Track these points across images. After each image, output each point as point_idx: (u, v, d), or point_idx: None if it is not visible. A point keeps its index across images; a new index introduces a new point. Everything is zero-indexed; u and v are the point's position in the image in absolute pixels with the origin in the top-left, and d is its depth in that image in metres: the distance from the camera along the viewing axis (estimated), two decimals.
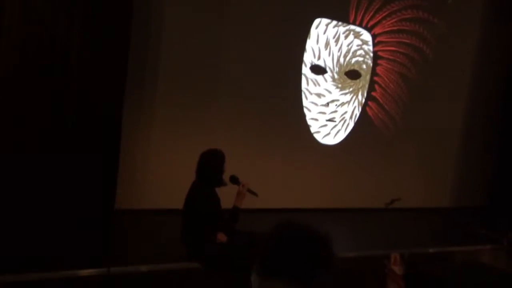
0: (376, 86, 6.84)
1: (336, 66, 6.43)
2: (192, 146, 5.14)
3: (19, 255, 3.53)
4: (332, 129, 6.53)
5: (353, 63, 6.56)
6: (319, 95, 6.35)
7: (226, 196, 3.71)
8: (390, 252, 4.68)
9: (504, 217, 5.64)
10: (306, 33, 6.15)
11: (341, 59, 6.45)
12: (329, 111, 6.48)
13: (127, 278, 3.58)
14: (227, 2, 5.58)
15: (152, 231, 4.68)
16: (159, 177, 5.19)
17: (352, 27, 6.46)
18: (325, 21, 6.23)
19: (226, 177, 3.70)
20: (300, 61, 6.17)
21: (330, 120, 6.49)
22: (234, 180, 3.70)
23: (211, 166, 3.57)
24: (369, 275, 4.61)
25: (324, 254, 1.62)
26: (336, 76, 6.44)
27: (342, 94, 6.53)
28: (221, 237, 3.53)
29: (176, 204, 3.88)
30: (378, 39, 6.72)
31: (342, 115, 6.59)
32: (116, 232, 4.37)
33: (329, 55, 6.35)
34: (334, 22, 6.31)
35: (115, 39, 4.20)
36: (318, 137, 6.43)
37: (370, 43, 6.65)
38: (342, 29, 6.38)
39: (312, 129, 6.37)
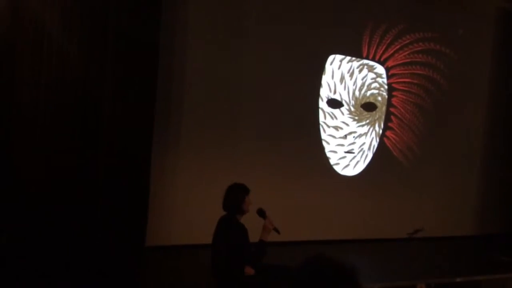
0: (393, 117, 6.98)
1: (352, 99, 6.61)
2: (216, 183, 5.30)
3: None
4: (351, 160, 6.65)
5: (369, 96, 6.73)
6: (336, 127, 6.51)
7: (252, 230, 3.82)
8: (416, 283, 4.71)
9: None
10: (321, 69, 6.37)
11: (357, 92, 6.63)
12: (347, 143, 6.61)
13: None
14: (247, 45, 5.84)
15: (182, 267, 4.80)
16: (187, 214, 5.33)
17: (365, 61, 6.66)
18: (339, 57, 6.46)
19: (253, 210, 3.82)
20: (316, 96, 6.37)
21: (349, 152, 6.62)
22: (261, 213, 3.81)
23: (232, 194, 3.71)
24: None
25: (352, 286, 1.76)
26: (352, 109, 6.61)
27: (359, 126, 6.68)
28: (249, 270, 3.62)
29: (205, 239, 4.01)
30: (391, 71, 6.90)
31: (360, 146, 6.72)
32: (147, 269, 4.49)
33: (345, 89, 6.54)
34: (348, 58, 6.53)
35: (143, 90, 4.49)
36: (338, 168, 6.55)
37: (384, 75, 6.83)
38: (356, 64, 6.59)
39: (332, 161, 6.50)
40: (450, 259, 6.35)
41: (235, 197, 3.69)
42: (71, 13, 4.10)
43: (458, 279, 5.32)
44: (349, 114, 6.60)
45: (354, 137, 6.66)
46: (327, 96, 6.42)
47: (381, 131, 6.90)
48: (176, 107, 5.52)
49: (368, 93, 6.73)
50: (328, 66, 6.39)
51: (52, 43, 4.03)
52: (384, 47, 6.80)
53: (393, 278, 5.14)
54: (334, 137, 6.50)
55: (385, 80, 6.86)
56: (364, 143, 6.74)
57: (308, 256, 1.89)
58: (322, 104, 6.39)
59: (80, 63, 4.21)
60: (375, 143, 6.85)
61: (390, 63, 6.89)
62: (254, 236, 3.80)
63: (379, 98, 6.84)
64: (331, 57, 6.40)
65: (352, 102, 6.61)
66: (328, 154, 6.47)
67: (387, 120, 6.93)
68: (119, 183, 4.44)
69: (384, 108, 6.89)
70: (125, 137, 4.51)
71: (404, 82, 7.04)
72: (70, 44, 4.12)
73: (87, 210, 4.24)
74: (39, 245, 4.03)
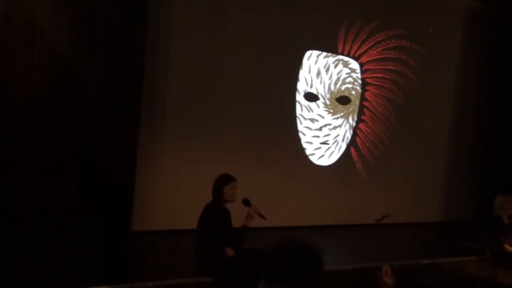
0: (365, 110, 7.38)
1: (328, 93, 6.97)
2: (198, 172, 5.64)
3: (51, 275, 3.95)
4: (326, 151, 7.03)
5: (343, 90, 7.11)
6: (312, 120, 6.87)
7: (239, 216, 4.16)
8: (382, 265, 5.14)
9: (486, 230, 6.08)
10: (298, 64, 6.69)
11: (332, 87, 6.99)
12: (323, 135, 6.99)
13: None
14: (228, 40, 6.10)
15: (166, 250, 5.12)
16: (170, 200, 5.64)
17: (340, 57, 7.02)
18: (315, 52, 6.79)
19: (239, 199, 4.14)
20: (294, 89, 6.70)
21: (324, 143, 7.00)
22: (246, 202, 4.15)
23: (215, 184, 4.09)
24: (363, 286, 5.04)
25: (317, 263, 2.15)
26: (328, 102, 6.98)
27: (334, 118, 7.06)
28: (229, 251, 3.96)
29: (187, 225, 4.33)
30: (365, 67, 7.28)
31: (334, 138, 7.10)
32: (134, 252, 4.80)
33: (321, 83, 6.89)
34: (324, 54, 6.87)
35: (129, 83, 4.74)
36: (313, 159, 6.92)
37: (358, 71, 7.21)
38: (331, 59, 6.94)
39: (307, 152, 6.86)
40: (416, 243, 6.83)
41: (217, 186, 4.03)
42: (62, 11, 4.30)
43: (424, 262, 5.78)
44: (325, 107, 6.96)
45: (329, 129, 7.04)
46: (304, 90, 6.76)
47: (354, 123, 7.29)
48: (161, 98, 5.76)
49: (343, 87, 7.10)
50: (305, 61, 6.72)
51: (43, 41, 4.24)
52: (359, 43, 7.16)
53: (362, 260, 5.55)
54: (310, 128, 6.86)
55: (359, 75, 7.23)
56: (338, 135, 7.13)
57: (283, 239, 2.27)
58: (299, 97, 6.73)
59: (69, 59, 4.43)
60: (348, 135, 7.25)
61: (364, 59, 7.26)
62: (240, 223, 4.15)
63: (353, 92, 7.22)
64: (308, 53, 6.73)
65: (328, 95, 6.98)
66: (304, 145, 6.83)
67: (360, 113, 7.33)
68: (106, 171, 4.69)
69: (357, 102, 7.28)
70: (112, 128, 4.74)
71: (377, 77, 7.43)
72: (60, 43, 4.33)
73: (76, 197, 4.49)
74: (33, 232, 4.27)
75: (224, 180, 4.10)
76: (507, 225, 5.78)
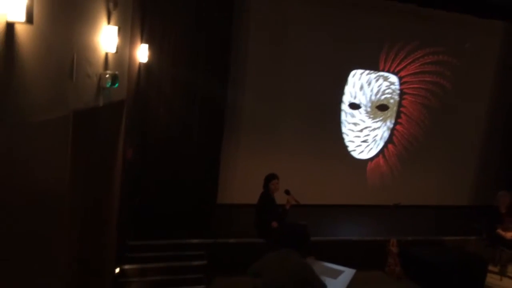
0: (402, 115, 9.01)
1: (369, 102, 8.74)
2: (266, 162, 7.82)
3: (163, 229, 6.50)
4: (365, 148, 8.88)
5: (383, 99, 8.81)
6: (355, 124, 8.72)
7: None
8: (390, 238, 7.00)
9: (485, 217, 7.46)
10: (345, 81, 8.50)
11: (373, 97, 8.74)
12: (363, 135, 8.82)
13: (225, 245, 6.37)
14: (289, 63, 8.05)
15: (240, 218, 7.40)
16: (245, 183, 7.87)
17: (381, 73, 8.69)
18: (359, 71, 8.55)
19: (283, 189, 6.22)
20: (340, 100, 8.56)
21: (364, 141, 8.84)
22: (287, 192, 6.20)
23: (264, 180, 6.17)
24: (376, 253, 6.99)
25: (306, 236, 4.49)
26: (368, 109, 8.76)
27: (373, 122, 8.84)
28: (274, 224, 5.96)
29: (255, 200, 6.53)
30: (403, 80, 8.86)
31: (373, 137, 8.90)
32: (219, 218, 7.21)
33: (363, 95, 8.67)
34: (367, 71, 8.60)
35: (217, 103, 7.02)
36: (355, 154, 8.81)
37: (397, 83, 8.83)
38: (373, 75, 8.65)
39: (349, 149, 8.77)
40: (433, 223, 8.32)
41: (264, 182, 6.15)
42: (175, 79, 6.71)
43: (426, 238, 7.34)
44: (366, 114, 8.76)
45: (369, 130, 8.83)
46: (348, 100, 8.60)
47: (391, 125, 8.99)
48: (240, 102, 7.90)
49: (382, 97, 8.80)
50: (350, 79, 8.53)
51: (165, 95, 6.72)
52: (398, 61, 8.75)
53: (379, 235, 7.38)
54: (352, 131, 8.72)
55: (397, 87, 8.86)
56: (376, 135, 8.91)
57: (287, 224, 4.60)
58: (344, 106, 8.60)
59: (180, 104, 6.84)
60: (386, 135, 8.99)
61: (403, 73, 8.84)
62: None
63: (391, 101, 8.90)
64: (353, 72, 8.52)
65: (369, 104, 8.75)
66: (347, 143, 8.74)
67: (397, 117, 8.98)
68: (201, 162, 7.09)
69: (395, 108, 8.94)
70: (205, 135, 7.09)
71: (414, 87, 8.98)
72: (175, 97, 6.78)
73: (184, 181, 6.98)
74: (154, 205, 6.83)
75: (269, 179, 6.12)
76: (503, 214, 7.27)
